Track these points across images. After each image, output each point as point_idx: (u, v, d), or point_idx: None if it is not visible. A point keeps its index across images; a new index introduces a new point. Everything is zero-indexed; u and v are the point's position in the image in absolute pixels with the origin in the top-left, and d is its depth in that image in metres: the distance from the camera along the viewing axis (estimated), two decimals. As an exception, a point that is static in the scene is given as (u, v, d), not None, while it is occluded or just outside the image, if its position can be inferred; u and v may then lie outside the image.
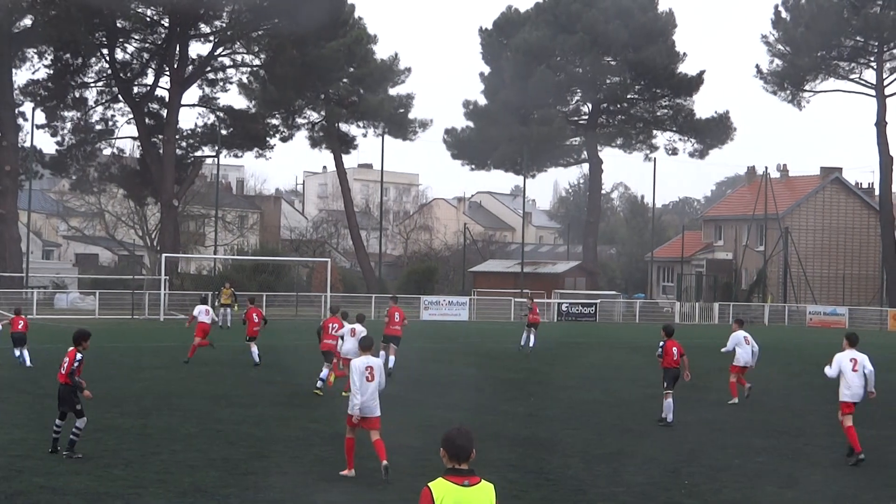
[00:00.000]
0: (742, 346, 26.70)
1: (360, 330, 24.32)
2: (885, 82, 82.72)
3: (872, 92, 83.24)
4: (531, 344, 40.50)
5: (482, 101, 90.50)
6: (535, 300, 46.20)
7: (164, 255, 65.56)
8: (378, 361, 16.42)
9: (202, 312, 34.06)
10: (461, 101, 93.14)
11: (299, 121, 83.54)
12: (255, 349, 32.35)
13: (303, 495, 15.11)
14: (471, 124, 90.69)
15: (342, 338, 25.66)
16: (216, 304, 51.55)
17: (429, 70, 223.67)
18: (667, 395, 22.39)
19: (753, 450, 19.80)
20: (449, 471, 7.63)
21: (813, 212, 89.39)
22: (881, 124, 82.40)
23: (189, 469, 16.33)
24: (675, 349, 22.54)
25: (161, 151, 74.95)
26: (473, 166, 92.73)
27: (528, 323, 41.45)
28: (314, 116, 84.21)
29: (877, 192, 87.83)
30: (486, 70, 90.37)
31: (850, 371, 19.06)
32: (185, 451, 17.73)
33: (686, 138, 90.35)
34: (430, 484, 7.56)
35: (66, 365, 17.02)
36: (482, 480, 7.65)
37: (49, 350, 37.30)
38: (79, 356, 17.03)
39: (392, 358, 30.12)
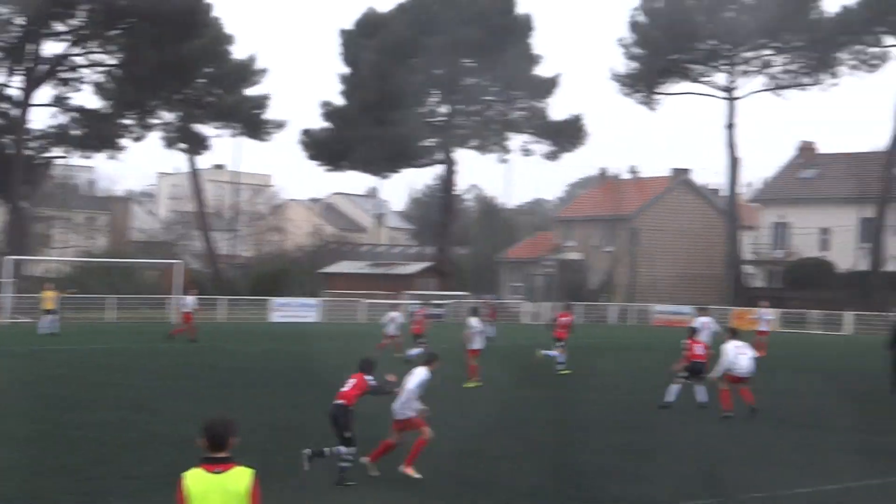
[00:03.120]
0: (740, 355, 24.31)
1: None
2: (735, 85, 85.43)
3: (724, 94, 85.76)
4: None
5: (340, 102, 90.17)
6: None
7: (8, 257, 63.92)
8: (418, 371, 16.21)
9: None
10: (319, 103, 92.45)
11: (153, 121, 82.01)
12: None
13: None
14: (328, 125, 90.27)
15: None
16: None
17: (287, 71, 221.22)
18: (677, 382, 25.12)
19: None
20: (204, 459, 7.89)
21: (662, 212, 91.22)
22: (731, 127, 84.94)
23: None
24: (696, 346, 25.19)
25: (10, 152, 72.95)
26: (329, 167, 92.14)
27: None
28: (169, 117, 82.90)
29: (723, 193, 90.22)
30: (346, 72, 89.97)
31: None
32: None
33: (541, 140, 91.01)
34: (184, 473, 7.83)
35: (350, 386, 15.93)
36: (236, 466, 7.87)
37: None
38: (373, 382, 16.02)
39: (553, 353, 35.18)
